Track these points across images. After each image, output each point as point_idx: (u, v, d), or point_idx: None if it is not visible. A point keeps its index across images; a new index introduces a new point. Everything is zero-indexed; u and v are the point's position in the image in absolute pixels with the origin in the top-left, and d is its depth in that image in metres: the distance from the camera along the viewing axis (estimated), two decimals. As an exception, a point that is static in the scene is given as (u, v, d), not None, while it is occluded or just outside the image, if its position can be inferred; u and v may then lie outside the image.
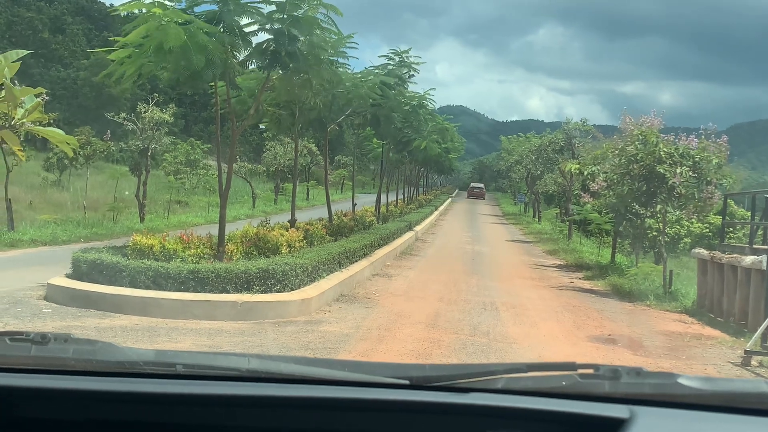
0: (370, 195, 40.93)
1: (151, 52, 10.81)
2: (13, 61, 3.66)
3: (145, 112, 23.68)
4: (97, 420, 1.77)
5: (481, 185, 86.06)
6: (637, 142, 15.98)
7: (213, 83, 12.56)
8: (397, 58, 21.91)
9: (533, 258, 24.16)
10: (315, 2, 11.98)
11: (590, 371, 1.78)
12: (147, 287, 10.33)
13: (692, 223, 19.31)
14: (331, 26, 12.70)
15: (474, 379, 1.76)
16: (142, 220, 23.73)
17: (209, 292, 10.31)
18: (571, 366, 1.80)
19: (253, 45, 12.32)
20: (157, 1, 10.85)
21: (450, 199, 68.42)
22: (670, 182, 15.12)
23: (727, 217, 17.43)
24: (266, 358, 1.93)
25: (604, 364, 1.80)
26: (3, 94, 3.73)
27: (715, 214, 22.58)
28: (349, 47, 15.42)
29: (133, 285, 10.39)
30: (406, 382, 1.74)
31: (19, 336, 1.87)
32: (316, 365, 1.88)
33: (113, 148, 28.54)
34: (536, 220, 45.31)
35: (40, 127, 3.84)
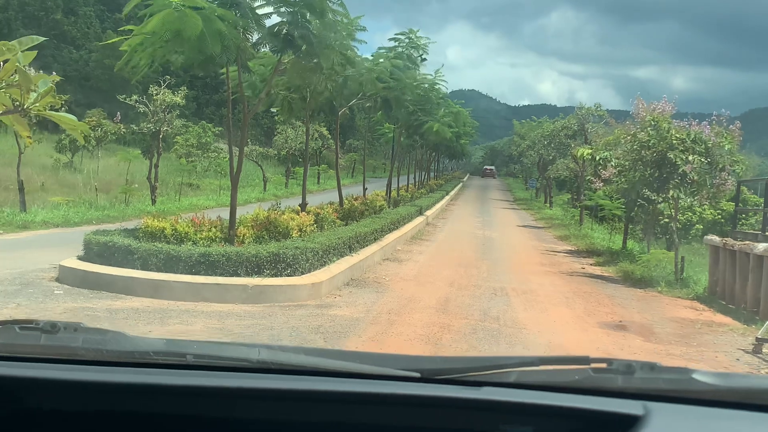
0: (381, 179, 40.90)
1: (166, 39, 10.78)
2: (29, 48, 3.62)
3: (156, 94, 23.71)
4: (105, 411, 1.76)
5: (493, 167, 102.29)
6: (649, 128, 15.87)
7: (225, 68, 12.55)
8: (406, 40, 21.81)
9: (544, 243, 24.09)
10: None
11: (603, 365, 1.76)
12: (158, 270, 10.38)
13: (704, 209, 19.21)
14: (341, 8, 12.67)
15: (486, 372, 1.74)
16: (153, 202, 23.82)
17: (220, 276, 10.36)
18: (584, 360, 1.78)
19: (266, 28, 12.30)
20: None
21: (461, 184, 68.24)
22: (681, 168, 15.01)
23: (739, 204, 17.30)
24: (276, 349, 1.92)
25: (618, 359, 1.78)
26: (17, 79, 3.71)
27: (727, 201, 22.46)
28: (358, 30, 15.42)
29: (145, 267, 10.44)
30: (417, 374, 1.72)
31: (28, 324, 1.87)
32: (325, 356, 1.86)
33: (124, 130, 28.61)
34: (547, 205, 45.16)
35: (53, 112, 3.80)
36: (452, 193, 49.75)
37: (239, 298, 10.06)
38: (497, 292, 12.80)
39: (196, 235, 11.48)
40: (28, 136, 4.20)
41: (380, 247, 16.18)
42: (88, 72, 63.52)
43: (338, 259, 12.96)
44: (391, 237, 18.11)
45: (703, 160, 15.00)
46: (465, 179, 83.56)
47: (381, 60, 19.68)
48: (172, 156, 35.50)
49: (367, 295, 11.64)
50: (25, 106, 4.35)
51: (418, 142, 33.73)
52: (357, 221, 17.65)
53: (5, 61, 4.46)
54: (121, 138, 35.72)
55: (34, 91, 4.44)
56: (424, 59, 22.09)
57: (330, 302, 10.72)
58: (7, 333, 1.87)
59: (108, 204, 23.00)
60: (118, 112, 26.70)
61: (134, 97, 23.90)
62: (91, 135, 25.39)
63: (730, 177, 15.68)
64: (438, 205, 34.43)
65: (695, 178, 15.25)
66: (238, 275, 10.44)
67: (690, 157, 14.91)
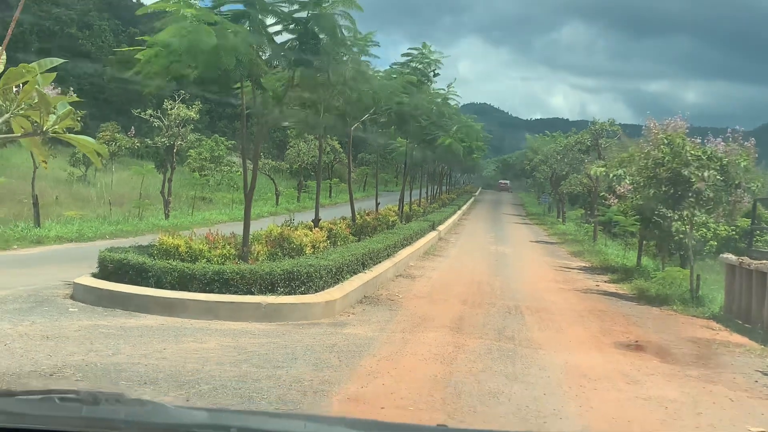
0: (393, 193, 40.86)
1: (180, 52, 10.81)
2: (48, 70, 3.62)
3: (171, 109, 23.81)
4: None
5: (508, 181, 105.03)
6: (663, 146, 15.77)
7: (240, 83, 12.58)
8: (419, 56, 21.85)
9: (558, 260, 23.97)
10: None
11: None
12: (173, 287, 10.36)
13: (719, 225, 19.02)
14: (352, 24, 12.70)
15: None
16: (167, 216, 23.88)
17: (234, 294, 10.33)
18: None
19: (278, 44, 12.33)
20: (185, 1, 10.87)
21: (473, 198, 68.14)
22: (695, 186, 14.90)
23: (755, 221, 17.14)
24: (321, 421, 1.88)
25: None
26: (36, 101, 3.70)
27: (742, 217, 22.26)
28: (371, 45, 15.46)
29: (159, 285, 10.42)
30: None
31: (68, 395, 1.83)
32: (365, 429, 1.83)
33: (138, 144, 28.77)
34: (560, 220, 45.00)
35: (71, 135, 3.80)
36: (464, 207, 49.66)
37: (253, 316, 10.03)
38: (511, 311, 12.71)
39: (210, 252, 11.47)
40: (43, 161, 4.19)
41: (393, 263, 16.13)
42: (103, 86, 63.91)
43: (351, 276, 12.91)
44: (404, 253, 18.06)
45: (718, 176, 14.88)
46: (477, 193, 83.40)
47: (394, 75, 19.71)
48: (185, 170, 35.62)
49: (380, 312, 11.58)
50: (44, 129, 4.35)
51: (430, 157, 33.70)
52: (370, 237, 17.61)
53: (24, 83, 4.47)
54: (135, 152, 35.89)
55: (53, 113, 4.45)
56: (437, 74, 22.13)
57: (344, 320, 10.67)
58: (47, 405, 1.82)
59: (121, 218, 23.07)
60: (133, 126, 26.84)
61: (149, 111, 24.03)
62: (107, 151, 25.48)
63: (745, 194, 15.54)
64: (450, 220, 34.37)
65: (711, 195, 15.13)
66: (252, 293, 10.41)
67: (705, 174, 14.80)
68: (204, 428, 1.75)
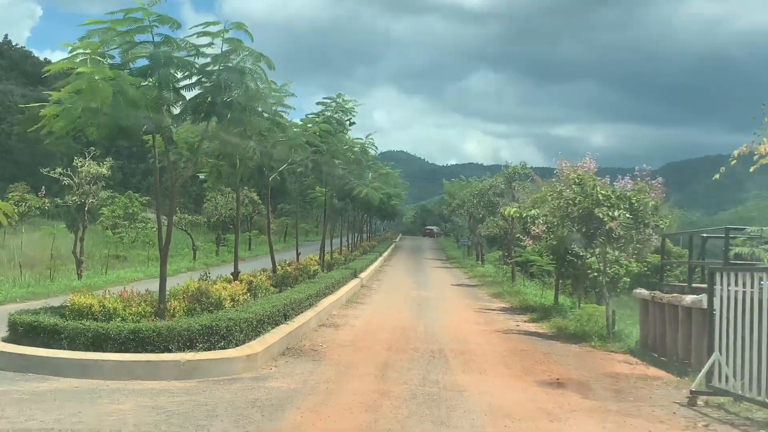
0: (314, 242, 40.76)
1: (79, 109, 10.60)
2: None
3: (81, 166, 23.24)
4: None
5: (434, 227, 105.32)
6: (574, 185, 16.25)
7: (152, 137, 12.39)
8: (334, 104, 22.03)
9: (478, 302, 24.24)
10: (247, 53, 11.99)
11: None
12: (87, 349, 9.99)
13: (630, 262, 19.66)
14: (264, 76, 12.72)
15: None
16: (79, 277, 23.08)
17: (151, 352, 10.03)
18: None
19: (189, 98, 12.21)
20: (90, 58, 10.69)
21: (394, 245, 68.56)
22: (607, 225, 15.36)
23: (665, 257, 17.78)
24: None
25: None
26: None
27: (652, 253, 23.05)
28: (287, 96, 15.53)
29: (72, 347, 10.03)
30: None
31: None
32: None
33: (48, 204, 27.96)
34: (479, 263, 45.65)
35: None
36: (386, 254, 49.85)
37: (172, 374, 9.75)
38: (435, 354, 12.74)
39: (125, 310, 11.13)
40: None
41: (316, 313, 15.99)
42: (11, 145, 62.14)
43: (273, 327, 12.72)
44: (326, 302, 17.95)
45: (628, 215, 15.38)
46: (397, 239, 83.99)
47: (310, 125, 19.80)
48: (98, 228, 34.69)
49: (304, 364, 11.43)
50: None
51: (350, 205, 33.83)
52: (291, 287, 17.45)
53: None
54: (46, 212, 34.79)
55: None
56: (353, 123, 22.33)
57: (266, 374, 10.47)
58: None
59: (33, 280, 22.17)
60: (43, 186, 26.01)
61: (58, 169, 23.35)
62: (15, 211, 24.62)
63: (654, 233, 16.09)
64: (372, 267, 34.41)
65: (621, 233, 15.60)
66: (170, 351, 10.12)
67: (616, 213, 15.28)
68: None
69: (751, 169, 11.39)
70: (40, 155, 46.36)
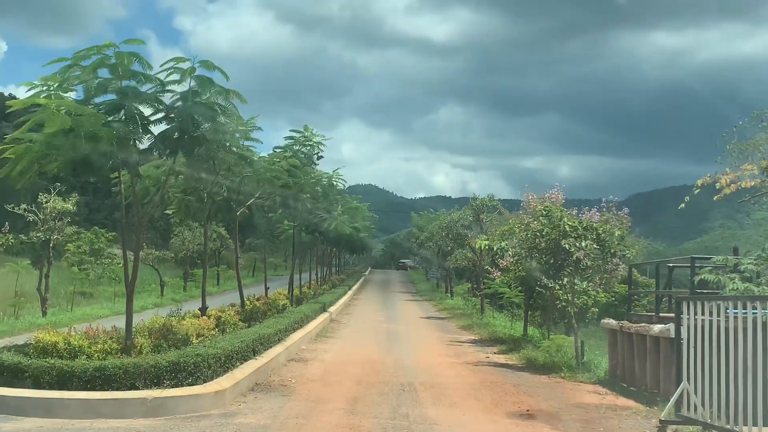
0: (283, 277, 40.52)
1: (40, 144, 10.54)
2: None
3: (46, 202, 22.97)
4: None
5: (407, 261, 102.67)
6: (541, 218, 16.42)
7: (116, 172, 12.31)
8: (302, 138, 22.11)
9: (448, 334, 24.23)
10: (216, 89, 12.03)
11: None
12: (51, 387, 9.80)
13: (598, 293, 19.82)
14: (236, 111, 12.76)
15: None
16: (44, 314, 22.67)
17: (117, 390, 9.86)
18: None
19: (157, 133, 12.18)
20: (53, 94, 10.66)
21: (363, 278, 68.42)
22: (575, 255, 15.50)
23: (632, 287, 17.99)
24: None
25: None
26: None
27: (620, 283, 23.30)
28: (254, 130, 15.59)
29: (37, 386, 9.84)
30: None
31: None
32: None
33: (12, 240, 27.47)
34: (449, 295, 45.66)
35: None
36: (355, 287, 49.70)
37: (138, 412, 9.58)
38: (405, 388, 12.70)
39: (90, 348, 10.96)
40: None
41: (285, 347, 15.86)
42: (-28, 181, 61.08)
43: (242, 363, 12.58)
44: (295, 336, 17.81)
45: (595, 246, 15.55)
46: (367, 273, 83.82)
47: (277, 159, 19.83)
48: (64, 264, 34.12)
49: (273, 399, 11.32)
50: None
51: (318, 238, 33.79)
52: (260, 322, 17.30)
53: None
54: (10, 249, 34.15)
55: None
56: (321, 156, 22.43)
57: (235, 410, 10.34)
58: None
59: (-5, 319, 21.74)
60: (6, 222, 25.58)
61: (23, 206, 23.05)
62: (-24, 248, 24.22)
63: (621, 262, 16.28)
64: (341, 301, 34.27)
65: (589, 263, 15.76)
66: (137, 388, 9.96)
67: (583, 244, 15.44)
68: None
69: (715, 198, 11.67)
70: (4, 191, 45.71)
